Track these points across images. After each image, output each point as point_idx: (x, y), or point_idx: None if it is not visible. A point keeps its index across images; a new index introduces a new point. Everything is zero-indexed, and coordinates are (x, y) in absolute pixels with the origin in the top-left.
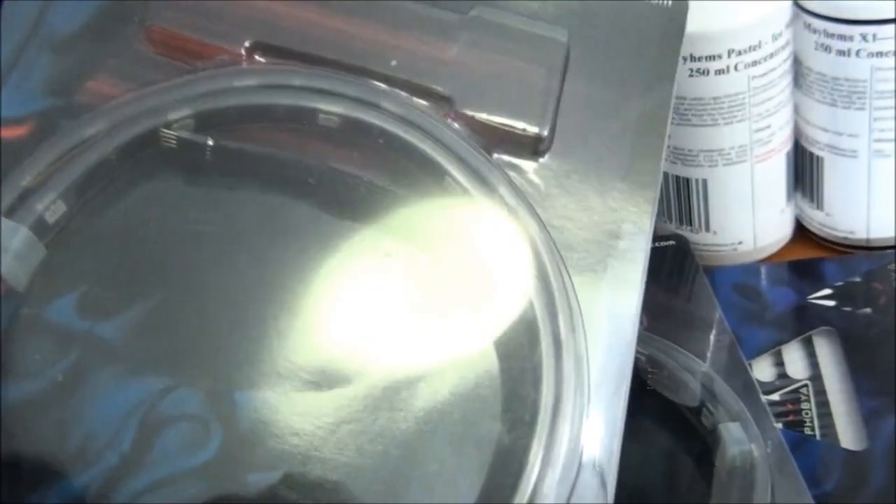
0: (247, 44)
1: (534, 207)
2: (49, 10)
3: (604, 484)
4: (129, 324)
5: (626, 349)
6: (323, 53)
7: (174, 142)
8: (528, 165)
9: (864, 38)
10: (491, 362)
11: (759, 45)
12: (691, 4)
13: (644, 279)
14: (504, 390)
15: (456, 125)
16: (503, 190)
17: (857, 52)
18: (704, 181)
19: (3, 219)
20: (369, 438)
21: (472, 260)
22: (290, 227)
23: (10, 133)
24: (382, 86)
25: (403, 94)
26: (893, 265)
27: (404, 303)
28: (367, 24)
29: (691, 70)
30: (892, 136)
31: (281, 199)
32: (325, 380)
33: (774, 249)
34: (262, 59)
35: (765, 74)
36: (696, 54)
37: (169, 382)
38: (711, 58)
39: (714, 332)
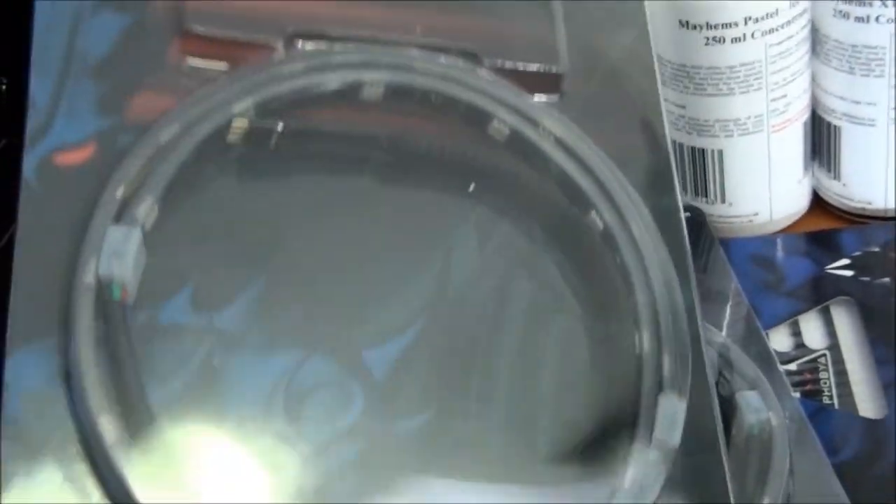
0: (284, 37)
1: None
2: (77, 37)
3: None
4: (244, 309)
5: None
6: (356, 34)
7: (243, 133)
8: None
9: (883, 3)
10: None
11: (777, 13)
12: None
13: None
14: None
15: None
16: (549, 123)
17: (877, 18)
18: (720, 152)
19: (114, 227)
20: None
21: (550, 202)
22: (364, 198)
23: (74, 158)
24: (415, 51)
25: (435, 54)
26: None
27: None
28: (387, 6)
29: (707, 38)
30: None
31: (346, 174)
32: (438, 326)
33: (791, 221)
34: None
35: (782, 42)
36: (713, 22)
37: (299, 355)
38: (728, 25)
39: (731, 302)
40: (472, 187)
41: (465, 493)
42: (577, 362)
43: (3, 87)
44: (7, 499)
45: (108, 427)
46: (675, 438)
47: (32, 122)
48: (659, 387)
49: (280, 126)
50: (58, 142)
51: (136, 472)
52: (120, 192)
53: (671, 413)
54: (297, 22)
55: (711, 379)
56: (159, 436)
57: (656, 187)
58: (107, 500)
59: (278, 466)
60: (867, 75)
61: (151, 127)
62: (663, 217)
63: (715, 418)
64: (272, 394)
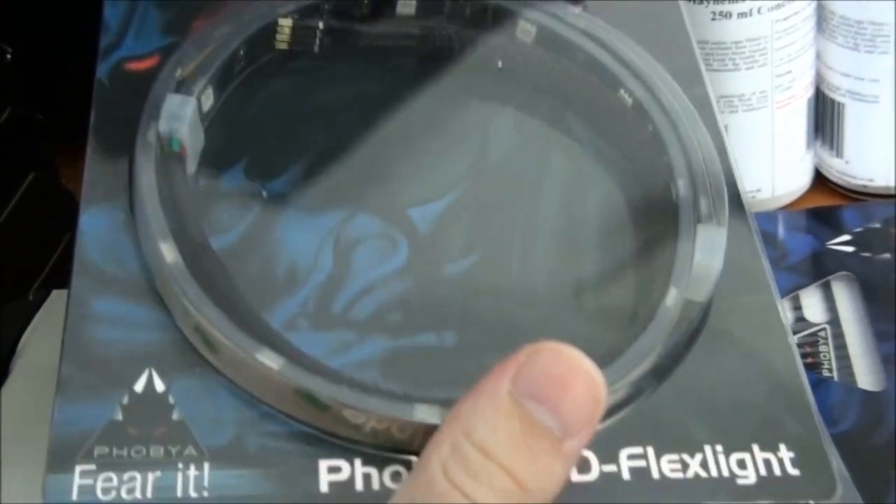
0: None
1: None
2: None
3: None
4: (295, 178)
5: None
6: None
7: (289, 33)
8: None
9: None
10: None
11: None
12: None
13: None
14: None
15: None
16: (574, 18)
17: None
18: (724, 128)
19: (172, 94)
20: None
21: (581, 85)
22: (404, 89)
23: (142, 65)
24: None
25: None
26: None
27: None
28: None
29: (714, 13)
30: None
31: (387, 70)
32: (479, 191)
33: (793, 198)
34: None
35: (788, 18)
36: None
37: (347, 213)
38: (734, 0)
39: None
40: (499, 64)
41: (506, 325)
42: (614, 216)
43: (8, 56)
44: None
45: (167, 250)
46: (718, 261)
47: (105, 40)
48: (697, 220)
49: (321, 24)
50: (127, 53)
51: (191, 286)
52: (178, 73)
53: (711, 238)
54: None
55: (752, 219)
56: (215, 264)
57: (685, 81)
58: (166, 318)
59: (325, 302)
60: (871, 52)
61: (206, 25)
62: (695, 104)
63: (758, 247)
64: (321, 245)
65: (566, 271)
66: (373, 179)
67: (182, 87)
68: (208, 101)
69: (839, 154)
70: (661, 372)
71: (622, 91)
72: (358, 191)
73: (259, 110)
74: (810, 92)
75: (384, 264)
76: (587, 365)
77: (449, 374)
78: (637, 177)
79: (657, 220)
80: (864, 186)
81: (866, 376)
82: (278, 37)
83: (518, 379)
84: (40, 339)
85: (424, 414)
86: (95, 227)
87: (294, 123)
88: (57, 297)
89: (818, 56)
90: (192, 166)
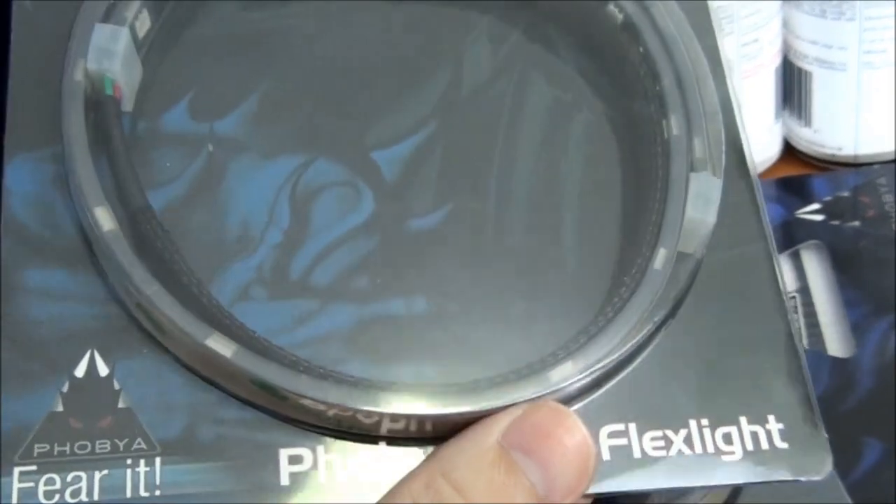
0: None
1: None
2: None
3: None
4: (247, 116)
5: None
6: None
7: None
8: None
9: None
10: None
11: None
12: None
13: None
14: None
15: None
16: None
17: None
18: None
19: (100, 25)
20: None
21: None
22: (370, 13)
23: None
24: None
25: None
26: (881, 179)
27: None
28: None
29: None
30: (882, 47)
31: None
32: (451, 127)
33: (762, 169)
34: None
35: None
36: None
37: (305, 157)
38: None
39: None
40: None
41: (481, 289)
42: (600, 158)
43: None
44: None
45: (103, 217)
46: (711, 216)
47: None
48: (690, 168)
49: None
50: None
51: (132, 261)
52: None
53: (705, 189)
54: None
55: (752, 164)
56: (157, 228)
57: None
58: (107, 290)
59: (282, 266)
60: (838, 19)
61: None
62: (692, 13)
63: (758, 202)
64: (278, 195)
65: (546, 224)
66: (334, 116)
67: (113, 11)
68: (144, 24)
69: (807, 123)
70: (646, 341)
71: (611, 5)
72: (317, 131)
73: (204, 34)
74: (777, 61)
75: (347, 218)
76: (583, 430)
77: (419, 346)
78: (625, 110)
79: (646, 162)
80: (833, 155)
81: (836, 343)
82: None
83: (510, 430)
84: None
85: (390, 402)
86: (22, 181)
87: (244, 49)
88: None
89: (785, 24)
90: (128, 105)
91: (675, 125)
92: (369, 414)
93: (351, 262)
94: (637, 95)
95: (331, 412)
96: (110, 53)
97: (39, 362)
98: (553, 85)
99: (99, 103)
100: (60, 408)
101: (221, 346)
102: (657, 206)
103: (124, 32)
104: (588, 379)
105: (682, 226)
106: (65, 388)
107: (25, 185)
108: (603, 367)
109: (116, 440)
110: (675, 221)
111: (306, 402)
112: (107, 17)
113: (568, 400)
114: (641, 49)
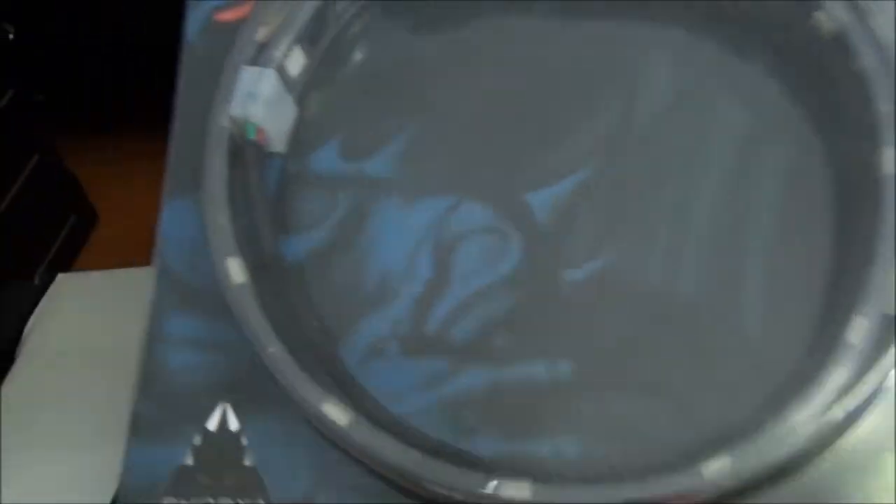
0: None
1: None
2: None
3: None
4: (396, 155)
5: None
6: None
7: None
8: None
9: None
10: None
11: None
12: None
13: None
14: None
15: None
16: None
17: None
18: None
19: (247, 67)
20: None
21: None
22: (542, 39)
23: (233, 15)
24: None
25: None
26: None
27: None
28: None
29: None
30: None
31: (525, 10)
32: (619, 164)
33: None
34: None
35: None
36: None
37: (451, 201)
38: None
39: None
40: None
41: (637, 355)
42: (796, 200)
43: (11, 35)
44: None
45: (233, 269)
46: None
47: None
48: None
49: None
50: (219, 2)
51: (257, 318)
52: (259, 34)
53: None
54: None
55: None
56: (290, 279)
57: None
58: (243, 342)
59: (419, 319)
60: None
61: None
62: None
63: None
64: (421, 242)
65: (725, 279)
66: (488, 152)
67: (264, 51)
68: (297, 62)
69: None
70: (836, 430)
71: (820, 13)
72: (468, 168)
73: (363, 66)
74: None
75: (491, 269)
76: None
77: (559, 418)
78: (830, 142)
79: (852, 206)
80: None
81: None
82: None
83: None
84: (46, 323)
85: (513, 491)
86: (177, 226)
87: (404, 79)
88: (62, 280)
89: None
90: (280, 147)
91: (890, 162)
92: (491, 498)
93: (491, 317)
94: (846, 124)
95: (449, 494)
96: (254, 97)
97: (174, 413)
98: (745, 112)
99: (241, 149)
100: (191, 461)
101: (338, 413)
102: (860, 263)
103: (270, 74)
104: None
105: (890, 286)
106: (197, 441)
107: (179, 231)
108: (770, 466)
109: (239, 500)
110: (881, 281)
111: (424, 482)
112: (255, 59)
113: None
114: (854, 66)
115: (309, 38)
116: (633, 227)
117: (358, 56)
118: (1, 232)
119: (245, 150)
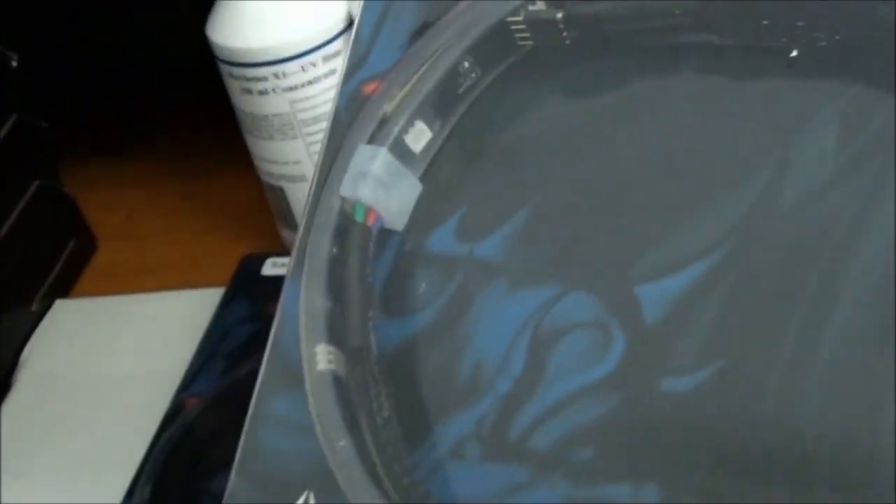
0: None
1: None
2: None
3: None
4: (509, 237)
5: None
6: None
7: (525, 29)
8: None
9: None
10: None
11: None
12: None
13: None
14: None
15: None
16: None
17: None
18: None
19: (363, 146)
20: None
21: None
22: (684, 101)
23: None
24: None
25: None
26: None
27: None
28: None
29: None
30: None
31: (663, 67)
32: (747, 258)
33: None
34: None
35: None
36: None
37: (557, 290)
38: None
39: None
40: (793, 54)
41: (745, 493)
42: None
43: (14, 63)
44: None
45: (320, 355)
46: None
47: (353, 55)
48: None
49: (560, 14)
50: (369, 72)
51: (330, 410)
52: (385, 108)
53: None
54: None
55: None
56: (379, 369)
57: None
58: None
59: (503, 421)
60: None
61: (422, 38)
62: None
63: None
64: (519, 334)
65: (865, 403)
66: (603, 236)
67: (384, 127)
68: (422, 136)
69: None
70: None
71: None
72: (580, 254)
73: (484, 145)
74: None
75: (587, 369)
76: None
77: None
78: None
79: None
80: None
81: None
82: (513, 40)
83: None
84: (44, 350)
85: None
86: (293, 305)
87: (517, 162)
88: (61, 306)
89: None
90: (399, 224)
91: None
92: None
93: (579, 425)
94: None
95: None
96: (365, 177)
97: (263, 495)
98: None
99: (347, 231)
100: None
101: None
102: None
103: (381, 154)
104: None
105: None
106: None
107: (295, 309)
108: None
109: None
110: None
111: None
112: (376, 134)
113: None
114: None
115: (433, 110)
116: (753, 334)
117: (487, 126)
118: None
119: (352, 231)
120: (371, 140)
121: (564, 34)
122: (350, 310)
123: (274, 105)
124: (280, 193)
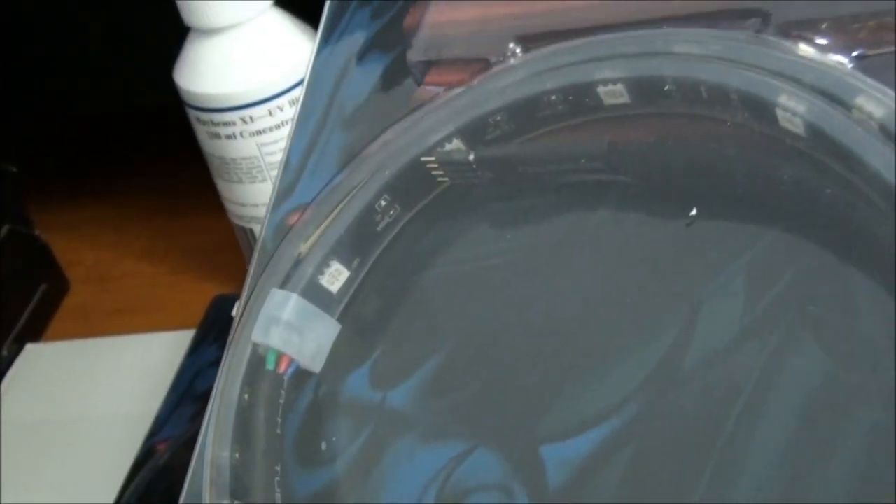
0: (511, 45)
1: None
2: (339, 90)
3: None
4: (420, 386)
5: None
6: (593, 22)
7: (437, 167)
8: None
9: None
10: None
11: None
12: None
13: None
14: None
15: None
16: (866, 102)
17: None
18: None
19: (273, 290)
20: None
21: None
22: (600, 242)
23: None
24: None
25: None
26: None
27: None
28: None
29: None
30: None
31: (576, 207)
32: (656, 418)
33: None
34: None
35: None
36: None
37: (465, 446)
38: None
39: None
40: (693, 212)
41: None
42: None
43: None
44: None
45: None
46: None
47: (283, 181)
48: None
49: (472, 156)
50: (296, 202)
51: None
52: (300, 247)
53: None
54: (523, 26)
55: None
56: None
57: None
58: None
59: None
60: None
61: (342, 172)
62: None
63: None
64: (425, 491)
65: None
66: (513, 390)
67: (299, 267)
68: (339, 277)
69: None
70: None
71: None
72: (488, 409)
73: (400, 285)
74: None
75: None
76: None
77: None
78: None
79: None
80: None
81: None
82: (427, 177)
83: None
84: (14, 396)
85: None
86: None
87: (431, 303)
88: (31, 350)
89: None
90: (315, 366)
91: None
92: None
93: None
94: None
95: None
96: (276, 322)
97: None
98: (830, 355)
99: (258, 377)
100: None
101: None
102: None
103: (293, 299)
104: None
105: None
106: None
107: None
108: None
109: None
110: None
111: None
112: (290, 275)
113: None
114: None
115: (350, 249)
116: (657, 499)
117: (406, 265)
118: None
119: (263, 378)
120: (286, 280)
121: (478, 174)
122: (256, 463)
123: (242, 149)
124: (249, 235)
